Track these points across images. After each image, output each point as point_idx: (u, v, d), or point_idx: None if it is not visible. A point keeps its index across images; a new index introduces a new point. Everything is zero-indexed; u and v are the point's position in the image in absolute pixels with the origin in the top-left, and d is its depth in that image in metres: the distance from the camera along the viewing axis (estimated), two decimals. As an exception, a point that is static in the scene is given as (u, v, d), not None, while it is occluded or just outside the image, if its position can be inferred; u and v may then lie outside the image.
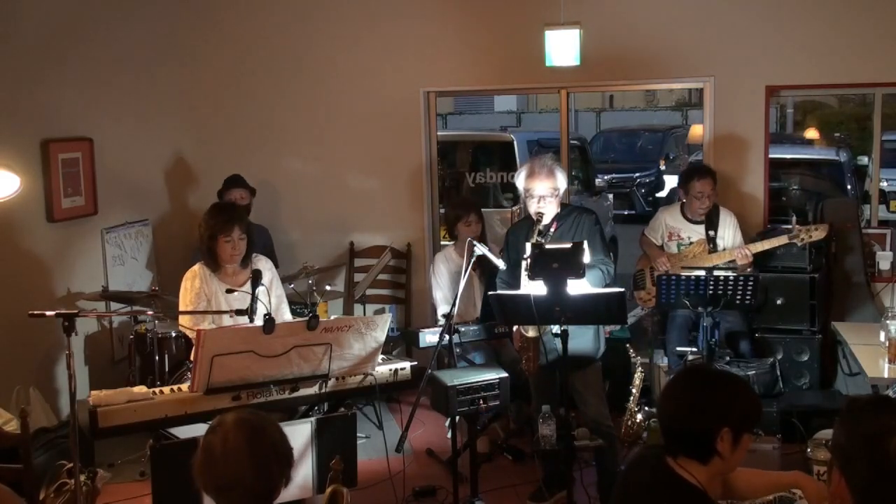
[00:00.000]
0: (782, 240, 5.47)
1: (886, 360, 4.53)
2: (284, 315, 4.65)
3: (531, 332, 4.33)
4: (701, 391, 2.37)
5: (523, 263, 4.21)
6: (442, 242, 6.84)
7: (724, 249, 5.67)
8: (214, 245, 4.45)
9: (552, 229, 4.42)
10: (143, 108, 6.54)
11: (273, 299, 4.55)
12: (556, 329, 4.21)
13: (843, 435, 1.87)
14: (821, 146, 13.34)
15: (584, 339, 4.44)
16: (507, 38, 6.45)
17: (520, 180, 4.53)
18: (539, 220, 4.37)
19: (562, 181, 4.49)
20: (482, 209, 5.79)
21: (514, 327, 4.50)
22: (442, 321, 5.55)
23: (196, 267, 4.51)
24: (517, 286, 4.52)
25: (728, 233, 5.74)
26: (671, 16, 6.24)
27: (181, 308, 4.49)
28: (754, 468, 2.79)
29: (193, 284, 4.46)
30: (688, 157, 14.09)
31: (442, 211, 6.99)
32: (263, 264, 4.62)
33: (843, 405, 1.96)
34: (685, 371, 2.57)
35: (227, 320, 4.25)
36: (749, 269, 5.50)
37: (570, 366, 4.22)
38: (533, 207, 4.45)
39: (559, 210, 4.54)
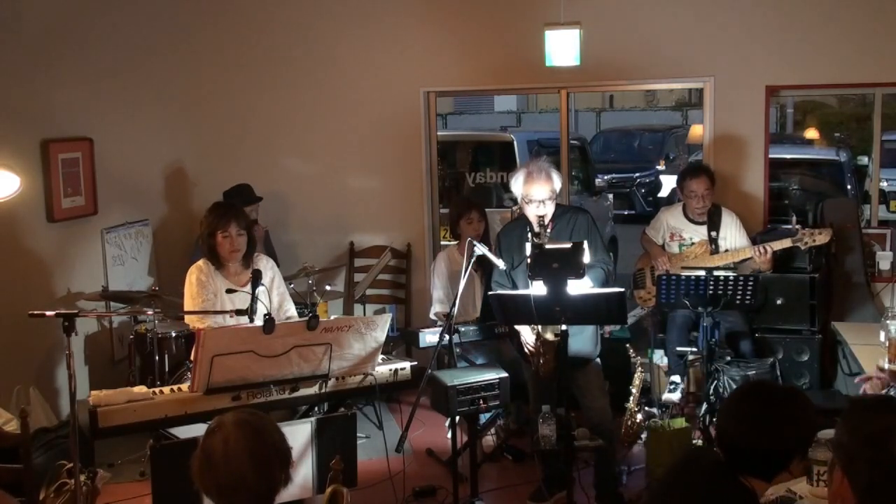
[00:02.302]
0: (786, 243, 5.46)
1: (886, 360, 4.52)
2: (289, 312, 4.66)
3: (550, 336, 4.30)
4: (784, 416, 2.31)
5: (527, 263, 4.20)
6: (442, 242, 6.84)
7: (727, 251, 5.66)
8: (214, 242, 4.46)
9: (549, 229, 4.42)
10: (143, 108, 6.54)
11: (275, 297, 4.57)
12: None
13: (846, 434, 1.86)
14: (821, 146, 13.34)
15: (580, 338, 4.43)
16: (507, 38, 6.45)
17: (517, 186, 4.51)
18: (542, 224, 4.36)
19: (558, 183, 4.49)
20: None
21: (527, 329, 4.45)
22: (434, 318, 5.57)
23: (200, 262, 4.52)
24: (513, 289, 4.52)
25: (730, 233, 5.73)
26: (671, 16, 6.24)
27: (187, 302, 4.50)
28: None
29: (199, 278, 4.47)
30: (688, 157, 14.09)
31: (442, 211, 6.99)
32: (265, 263, 4.62)
33: (846, 405, 1.96)
34: (758, 391, 2.46)
35: (227, 320, 4.25)
36: (767, 269, 5.49)
37: (569, 366, 4.22)
38: (532, 212, 4.44)
39: (554, 210, 4.54)
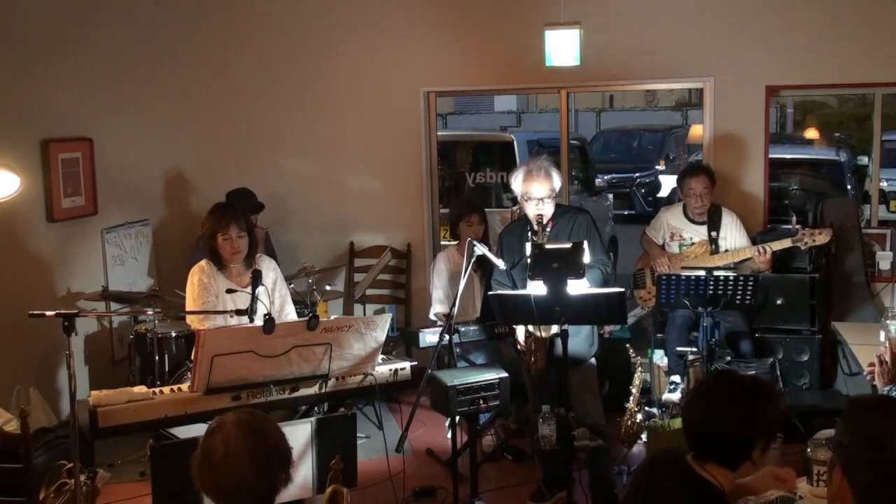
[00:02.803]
0: (786, 243, 5.47)
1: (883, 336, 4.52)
2: (290, 315, 4.65)
3: (543, 332, 4.32)
4: (742, 401, 2.36)
5: (526, 263, 4.21)
6: (442, 242, 6.84)
7: (727, 251, 5.66)
8: (215, 244, 4.47)
9: (548, 228, 4.44)
10: (143, 108, 6.54)
11: (276, 299, 4.57)
12: (554, 329, 4.23)
13: (847, 435, 1.85)
14: (821, 146, 13.34)
15: (575, 339, 4.44)
16: (507, 38, 6.45)
17: (516, 183, 4.53)
18: (540, 223, 4.37)
19: (558, 182, 4.51)
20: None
21: (521, 328, 4.48)
22: (433, 319, 5.57)
23: (203, 262, 4.53)
24: (513, 288, 4.53)
25: (730, 234, 5.73)
26: (671, 16, 6.24)
27: (188, 303, 4.51)
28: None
29: (200, 279, 4.47)
30: (687, 157, 14.10)
31: (443, 211, 6.99)
32: (266, 264, 4.62)
33: (847, 405, 1.95)
34: (720, 378, 2.52)
35: (228, 320, 4.25)
36: (766, 269, 5.49)
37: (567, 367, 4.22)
38: (532, 210, 4.45)
39: (554, 210, 4.56)
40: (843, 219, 6.03)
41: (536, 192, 4.43)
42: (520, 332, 4.50)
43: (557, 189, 4.51)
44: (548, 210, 4.45)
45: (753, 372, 5.22)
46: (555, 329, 4.29)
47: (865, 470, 1.78)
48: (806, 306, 5.67)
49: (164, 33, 6.73)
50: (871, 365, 3.57)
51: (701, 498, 2.33)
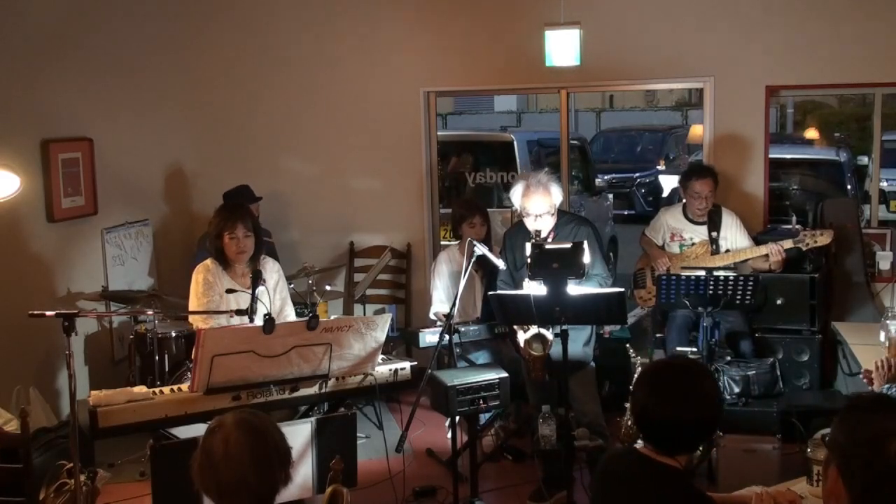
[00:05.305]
0: (787, 244, 5.47)
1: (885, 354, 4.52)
2: (289, 317, 4.65)
3: (536, 352, 4.33)
4: (702, 384, 2.39)
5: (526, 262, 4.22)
6: (442, 242, 6.84)
7: (727, 251, 5.66)
8: (221, 243, 4.48)
9: (549, 239, 4.46)
10: (143, 108, 6.54)
11: (277, 300, 4.57)
12: (550, 336, 4.25)
13: (843, 435, 1.85)
14: (821, 146, 13.33)
15: (575, 344, 4.45)
16: (507, 38, 6.46)
17: (515, 198, 4.59)
18: (538, 236, 4.39)
19: (557, 196, 4.55)
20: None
21: (522, 344, 4.49)
22: (433, 318, 5.58)
23: (208, 261, 4.54)
24: (516, 290, 4.54)
25: (731, 234, 5.73)
26: (671, 16, 6.24)
27: (192, 301, 4.51)
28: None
29: (206, 278, 4.48)
30: (688, 157, 14.10)
31: (443, 211, 6.99)
32: (270, 266, 4.63)
33: (845, 403, 1.95)
34: (676, 367, 2.49)
35: (230, 320, 4.25)
36: (779, 269, 5.49)
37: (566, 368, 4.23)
38: (530, 225, 4.49)
39: (556, 219, 4.58)
40: (843, 219, 6.03)
41: (534, 209, 4.47)
42: (520, 337, 4.50)
43: (557, 204, 4.56)
44: (547, 224, 4.49)
45: (754, 371, 5.22)
46: (550, 337, 4.31)
47: (861, 470, 1.78)
48: (806, 306, 5.67)
49: (165, 34, 6.73)
50: (868, 371, 3.59)
51: (663, 480, 2.35)
